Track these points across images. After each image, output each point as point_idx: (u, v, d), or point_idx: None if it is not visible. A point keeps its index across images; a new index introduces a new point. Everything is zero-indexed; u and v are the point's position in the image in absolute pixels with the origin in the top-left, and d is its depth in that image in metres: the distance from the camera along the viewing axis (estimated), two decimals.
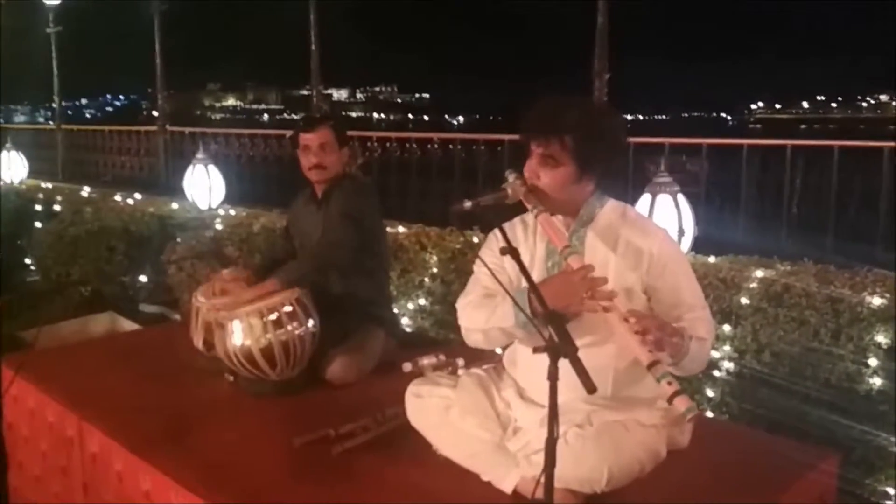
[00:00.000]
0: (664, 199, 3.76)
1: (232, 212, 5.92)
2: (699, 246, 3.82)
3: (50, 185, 8.43)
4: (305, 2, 7.60)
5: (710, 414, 3.07)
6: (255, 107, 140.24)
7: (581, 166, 1.92)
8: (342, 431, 2.28)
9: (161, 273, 5.19)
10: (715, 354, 3.00)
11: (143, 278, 5.44)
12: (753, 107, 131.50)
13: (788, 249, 3.81)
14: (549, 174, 1.93)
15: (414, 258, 4.12)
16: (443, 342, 3.50)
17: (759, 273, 3.22)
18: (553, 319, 1.56)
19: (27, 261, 6.23)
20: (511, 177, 1.94)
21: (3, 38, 10.95)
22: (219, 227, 5.37)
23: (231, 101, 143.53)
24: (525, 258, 1.89)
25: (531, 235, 2.06)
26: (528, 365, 2.02)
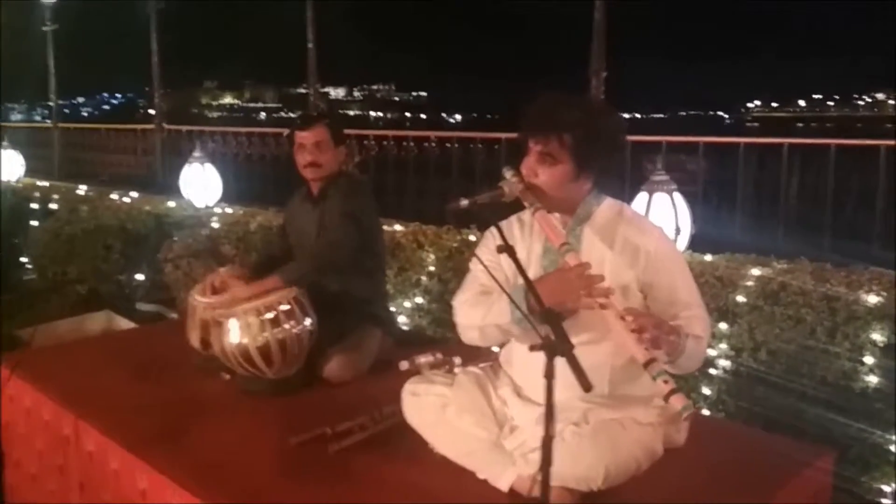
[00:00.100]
0: (661, 198, 3.76)
1: (228, 210, 5.90)
2: (696, 244, 3.81)
3: (46, 184, 8.40)
4: (303, 0, 7.58)
5: (706, 412, 3.07)
6: (252, 105, 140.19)
7: (579, 164, 1.93)
8: (339, 430, 2.27)
9: (158, 271, 5.18)
10: (711, 352, 3.00)
11: (139, 277, 5.42)
12: (751, 105, 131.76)
13: (785, 247, 3.82)
14: (546, 172, 1.93)
15: (411, 256, 4.12)
16: (440, 340, 3.50)
17: (756, 271, 3.22)
18: (549, 317, 1.56)
19: (23, 259, 6.20)
20: (508, 174, 1.94)
21: (0, 36, 10.92)
22: (215, 225, 5.35)
23: (228, 100, 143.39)
24: (521, 256, 1.90)
25: (528, 233, 2.06)
26: (524, 363, 2.02)
